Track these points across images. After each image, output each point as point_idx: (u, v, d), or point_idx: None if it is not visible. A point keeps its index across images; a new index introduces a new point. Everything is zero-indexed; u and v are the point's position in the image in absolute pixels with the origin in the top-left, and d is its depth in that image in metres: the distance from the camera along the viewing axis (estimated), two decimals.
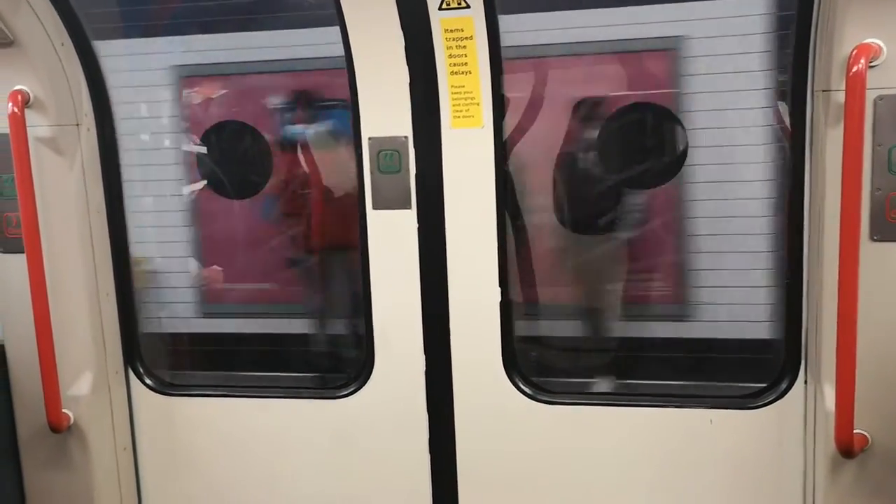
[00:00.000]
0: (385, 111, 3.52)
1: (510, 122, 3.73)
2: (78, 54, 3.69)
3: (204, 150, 5.44)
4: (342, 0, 3.35)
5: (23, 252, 3.51)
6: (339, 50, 3.49)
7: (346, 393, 3.79)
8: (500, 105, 3.47)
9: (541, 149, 4.92)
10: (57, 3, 3.57)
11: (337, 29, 3.44)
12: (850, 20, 2.86)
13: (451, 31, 3.36)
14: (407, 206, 3.58)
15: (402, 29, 3.38)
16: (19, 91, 3.48)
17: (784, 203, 3.44)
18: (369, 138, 3.55)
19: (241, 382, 4.77)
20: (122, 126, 3.99)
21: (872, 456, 3.04)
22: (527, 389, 3.63)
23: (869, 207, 2.91)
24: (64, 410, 3.69)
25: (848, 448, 2.95)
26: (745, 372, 3.96)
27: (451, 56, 3.40)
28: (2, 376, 3.79)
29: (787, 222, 3.36)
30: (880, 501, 3.06)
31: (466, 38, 3.37)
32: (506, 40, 3.44)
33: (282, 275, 5.88)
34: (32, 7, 3.47)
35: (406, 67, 3.44)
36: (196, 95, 5.66)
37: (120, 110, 3.94)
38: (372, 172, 3.57)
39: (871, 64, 2.80)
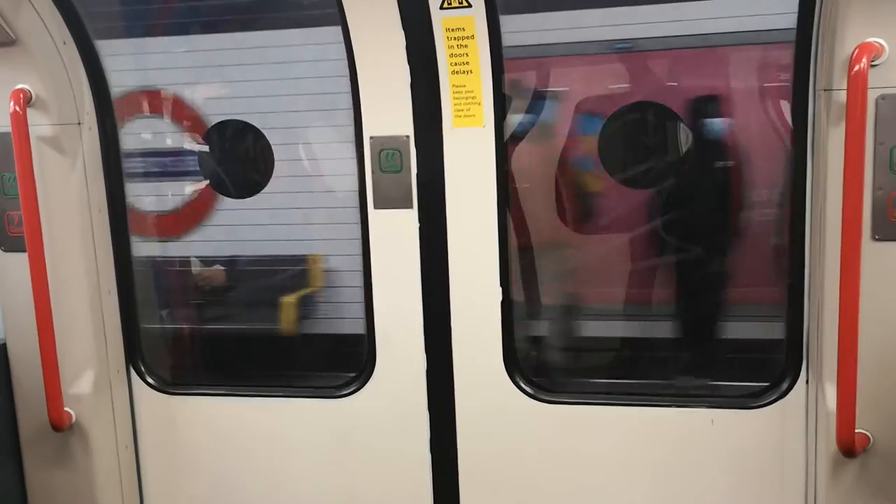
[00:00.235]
0: (386, 110, 3.52)
1: None
2: (80, 53, 3.69)
3: None
4: None
5: (24, 251, 3.52)
6: None
7: (347, 392, 3.79)
8: (501, 104, 3.47)
9: None
10: (59, 1, 3.56)
11: None
12: (851, 19, 2.86)
13: (453, 30, 3.36)
14: (408, 205, 3.58)
15: (404, 28, 3.38)
16: (21, 90, 3.48)
17: (786, 202, 3.44)
18: (370, 137, 3.55)
19: (242, 381, 4.77)
20: None
21: (874, 455, 3.04)
22: (528, 389, 3.63)
23: (871, 207, 2.91)
24: (66, 409, 3.70)
25: (849, 448, 2.95)
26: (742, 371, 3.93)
27: (452, 55, 3.40)
28: (4, 375, 3.79)
29: (789, 222, 3.36)
30: (882, 501, 3.06)
31: (468, 37, 3.37)
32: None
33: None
34: (34, 6, 3.47)
35: (407, 67, 3.44)
36: None
37: None
38: (373, 172, 3.57)
39: (873, 63, 2.79)
